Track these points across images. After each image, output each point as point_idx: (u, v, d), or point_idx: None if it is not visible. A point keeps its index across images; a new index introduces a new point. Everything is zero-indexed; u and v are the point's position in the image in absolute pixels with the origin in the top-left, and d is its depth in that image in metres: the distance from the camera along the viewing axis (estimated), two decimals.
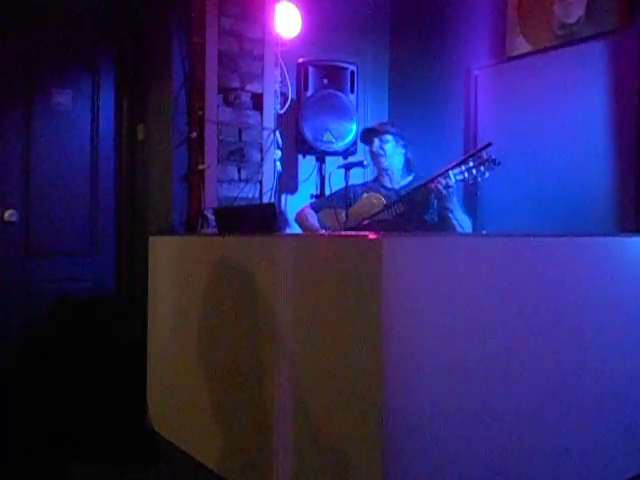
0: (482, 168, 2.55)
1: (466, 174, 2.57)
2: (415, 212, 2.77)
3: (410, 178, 2.98)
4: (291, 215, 3.34)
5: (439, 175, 2.56)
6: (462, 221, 2.76)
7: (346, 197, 2.75)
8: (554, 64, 3.00)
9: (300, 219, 3.11)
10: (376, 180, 3.07)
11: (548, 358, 1.66)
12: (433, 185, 2.61)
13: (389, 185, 2.97)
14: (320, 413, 1.56)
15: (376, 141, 2.94)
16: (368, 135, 3.00)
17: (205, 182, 3.02)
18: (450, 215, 2.73)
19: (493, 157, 2.54)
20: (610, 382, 1.82)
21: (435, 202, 2.77)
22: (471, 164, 2.56)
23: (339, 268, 1.51)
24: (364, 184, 3.11)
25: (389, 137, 2.92)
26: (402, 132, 2.96)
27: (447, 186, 2.59)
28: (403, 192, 2.85)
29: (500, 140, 3.03)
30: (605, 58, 2.80)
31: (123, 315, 3.19)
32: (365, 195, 2.97)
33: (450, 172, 2.57)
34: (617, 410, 1.84)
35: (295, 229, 3.21)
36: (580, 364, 1.74)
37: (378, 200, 2.90)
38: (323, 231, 2.98)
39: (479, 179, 2.58)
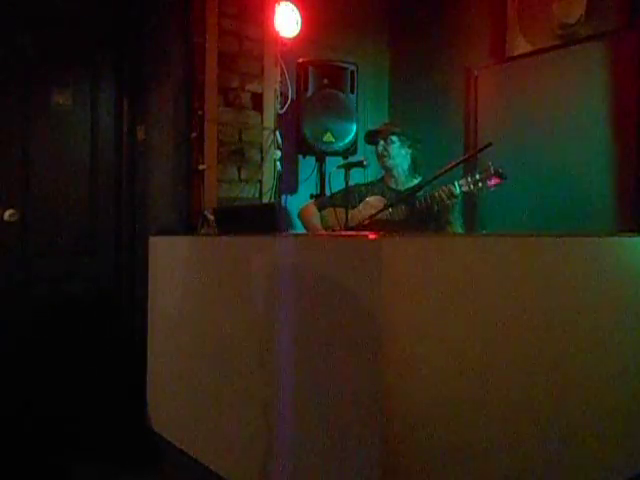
0: (488, 182, 2.51)
1: (472, 186, 2.54)
2: (419, 219, 2.75)
3: (417, 180, 2.94)
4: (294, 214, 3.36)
5: (441, 174, 2.53)
6: None
7: (347, 197, 2.75)
8: (554, 64, 3.00)
9: (303, 216, 3.12)
10: (381, 180, 3.05)
11: (547, 357, 1.66)
12: (437, 194, 2.59)
13: (394, 186, 2.96)
14: (320, 412, 1.56)
15: (381, 142, 2.92)
16: (373, 137, 2.98)
17: (205, 182, 3.01)
18: (448, 228, 2.72)
19: (500, 171, 2.50)
20: (610, 381, 1.82)
21: (437, 212, 2.74)
22: (477, 177, 2.53)
23: (339, 268, 1.51)
24: (369, 183, 3.10)
25: (394, 138, 2.89)
26: (409, 132, 2.93)
27: (451, 196, 2.57)
28: (406, 194, 2.83)
29: (500, 140, 3.03)
30: (605, 58, 2.80)
31: (123, 315, 3.19)
32: (368, 199, 2.95)
33: (455, 182, 2.55)
34: (617, 409, 1.84)
35: (299, 227, 3.22)
36: (580, 363, 1.74)
37: (380, 203, 2.89)
38: (323, 230, 2.98)
39: (484, 192, 2.54)
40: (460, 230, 2.77)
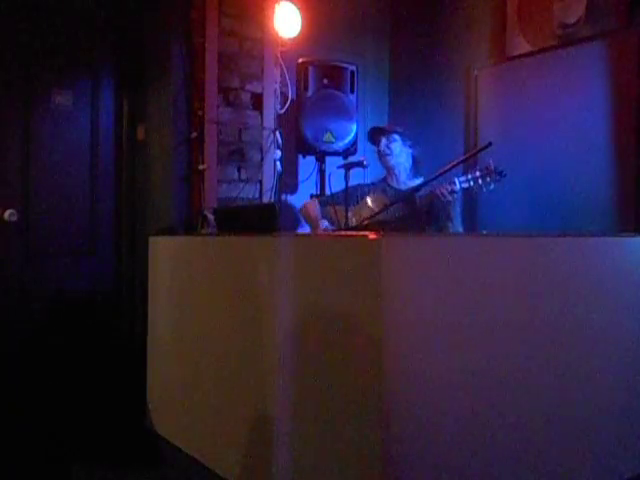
0: (488, 179, 2.56)
1: (472, 182, 2.60)
2: (418, 218, 2.78)
3: (418, 181, 2.96)
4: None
5: (441, 174, 2.56)
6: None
7: (346, 197, 2.75)
8: (554, 64, 3.00)
9: (304, 209, 3.15)
10: (384, 180, 3.09)
11: (548, 358, 1.66)
12: (439, 191, 2.62)
13: (395, 185, 3.00)
14: (320, 412, 1.56)
15: (383, 140, 2.97)
16: (375, 134, 3.02)
17: (205, 182, 3.02)
18: (449, 224, 2.76)
19: (500, 169, 2.56)
20: (610, 381, 1.82)
21: (439, 210, 2.78)
22: (478, 173, 2.58)
23: (339, 268, 1.51)
24: (372, 183, 3.12)
25: (396, 136, 2.95)
26: (409, 133, 3.00)
27: (452, 192, 2.61)
28: (406, 193, 2.85)
29: (500, 140, 3.03)
30: (605, 58, 2.80)
31: (123, 315, 3.19)
32: (367, 198, 2.96)
33: (456, 179, 2.59)
34: (618, 409, 1.83)
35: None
36: (581, 364, 1.74)
37: (381, 203, 2.90)
38: (323, 227, 3.00)
39: (484, 189, 2.59)
40: (460, 226, 2.81)
